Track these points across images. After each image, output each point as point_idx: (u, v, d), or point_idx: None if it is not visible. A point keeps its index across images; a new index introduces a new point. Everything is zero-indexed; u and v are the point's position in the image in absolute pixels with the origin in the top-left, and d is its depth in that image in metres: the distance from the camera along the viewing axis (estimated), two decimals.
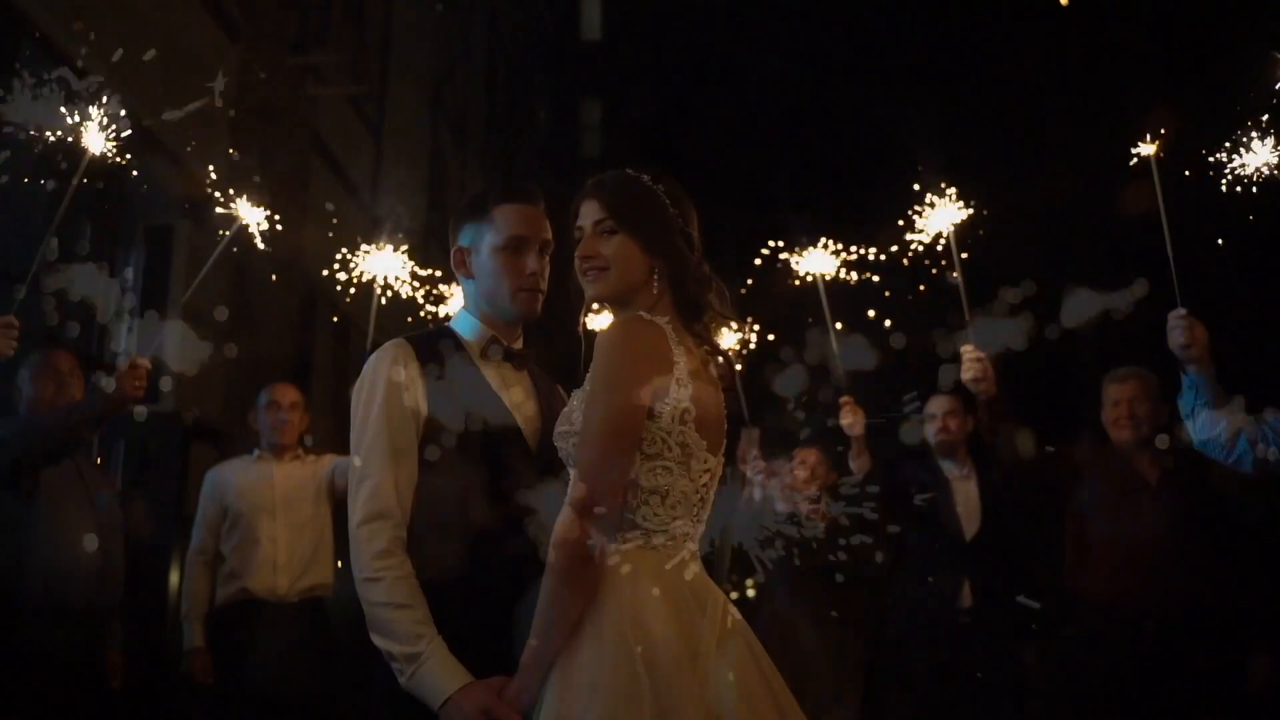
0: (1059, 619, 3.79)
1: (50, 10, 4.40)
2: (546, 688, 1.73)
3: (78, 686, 3.28)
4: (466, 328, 2.13)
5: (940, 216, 3.49)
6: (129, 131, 2.95)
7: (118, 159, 2.98)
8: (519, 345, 2.15)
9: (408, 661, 1.81)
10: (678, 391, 1.83)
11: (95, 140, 2.89)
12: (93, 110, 2.88)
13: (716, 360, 1.98)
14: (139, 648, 4.03)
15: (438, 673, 1.80)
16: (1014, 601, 4.11)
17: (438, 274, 4.02)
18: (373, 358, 2.03)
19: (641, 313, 1.90)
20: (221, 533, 4.11)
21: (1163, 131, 3.12)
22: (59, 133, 2.83)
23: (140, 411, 3.38)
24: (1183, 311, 3.06)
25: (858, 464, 4.14)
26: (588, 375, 1.86)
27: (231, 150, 5.67)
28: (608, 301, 2.00)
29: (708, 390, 1.89)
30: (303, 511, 4.14)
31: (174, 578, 4.74)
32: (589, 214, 1.97)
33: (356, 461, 1.96)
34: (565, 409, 1.93)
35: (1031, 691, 4.18)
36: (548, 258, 2.15)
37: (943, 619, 4.14)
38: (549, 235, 2.15)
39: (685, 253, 1.97)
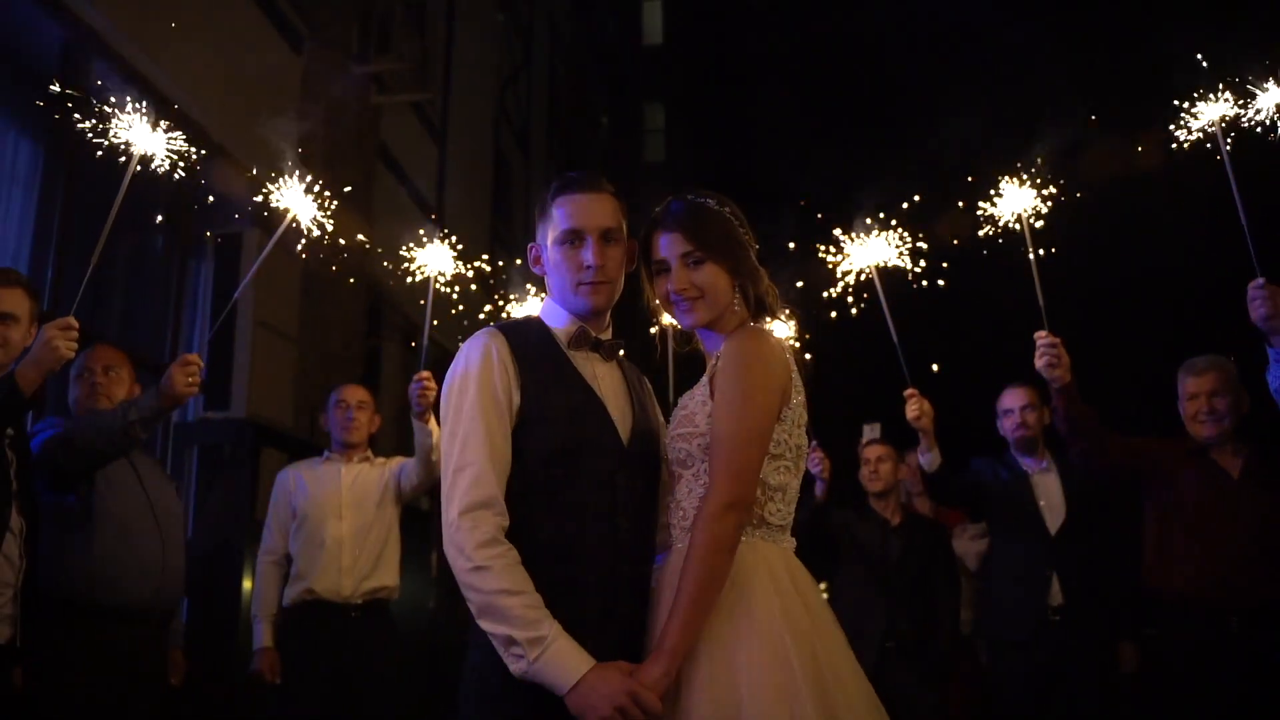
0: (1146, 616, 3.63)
1: (118, 24, 4.50)
2: (696, 674, 1.79)
3: (139, 685, 3.30)
4: (554, 318, 2.09)
5: (1012, 200, 3.36)
6: (188, 138, 2.97)
7: (187, 169, 2.99)
8: (606, 336, 2.11)
9: (531, 646, 1.74)
10: (796, 397, 1.99)
11: (155, 144, 2.91)
12: (161, 122, 2.90)
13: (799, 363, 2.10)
14: (209, 648, 4.08)
15: (566, 654, 1.75)
16: (1106, 597, 3.95)
17: (485, 271, 3.99)
18: (466, 345, 1.99)
19: (760, 325, 2.06)
20: (290, 533, 4.16)
21: (1230, 97, 2.97)
22: (126, 144, 2.85)
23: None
24: (1262, 281, 2.92)
25: (928, 459, 3.99)
26: (708, 382, 1.99)
27: (298, 158, 5.75)
28: (702, 328, 2.07)
29: (803, 394, 2.03)
30: (369, 513, 4.15)
31: (245, 581, 4.80)
32: (673, 247, 2.03)
33: (450, 449, 1.90)
34: (683, 411, 2.00)
35: (1123, 689, 4.01)
36: (617, 244, 2.05)
37: (1033, 618, 3.95)
38: (612, 222, 2.03)
39: (757, 265, 2.09)
